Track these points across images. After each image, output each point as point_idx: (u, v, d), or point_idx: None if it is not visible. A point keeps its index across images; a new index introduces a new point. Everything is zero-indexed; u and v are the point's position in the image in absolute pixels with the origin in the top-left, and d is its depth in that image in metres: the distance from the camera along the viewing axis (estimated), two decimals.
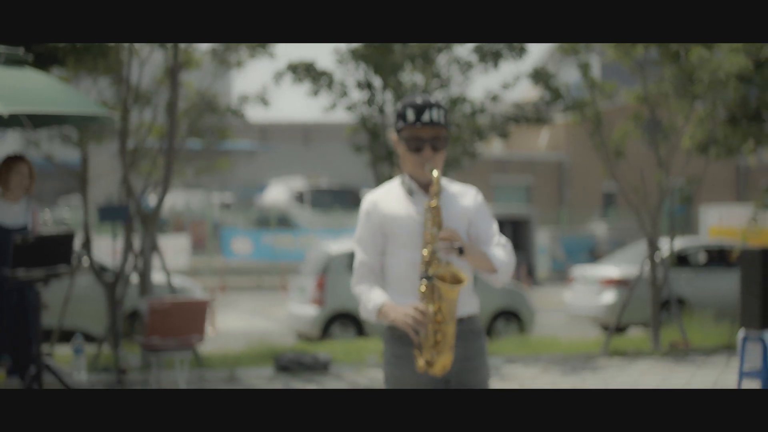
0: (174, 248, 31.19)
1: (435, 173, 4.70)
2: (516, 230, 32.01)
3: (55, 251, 7.82)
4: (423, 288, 4.60)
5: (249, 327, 19.09)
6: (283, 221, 36.82)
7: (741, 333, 9.34)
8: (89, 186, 12.79)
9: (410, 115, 4.71)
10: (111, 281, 12.63)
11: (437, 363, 4.58)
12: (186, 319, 8.72)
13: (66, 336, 13.48)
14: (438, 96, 13.98)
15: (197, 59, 13.56)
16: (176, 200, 41.99)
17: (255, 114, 53.56)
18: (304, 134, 52.56)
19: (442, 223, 4.69)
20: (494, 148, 44.07)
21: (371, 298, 4.75)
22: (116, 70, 12.51)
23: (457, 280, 4.63)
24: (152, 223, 12.21)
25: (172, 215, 39.21)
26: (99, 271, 13.02)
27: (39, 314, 8.07)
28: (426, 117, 4.69)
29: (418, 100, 4.77)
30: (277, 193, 43.69)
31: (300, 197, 41.41)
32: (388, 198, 4.84)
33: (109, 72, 12.45)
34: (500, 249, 4.82)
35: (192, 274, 27.99)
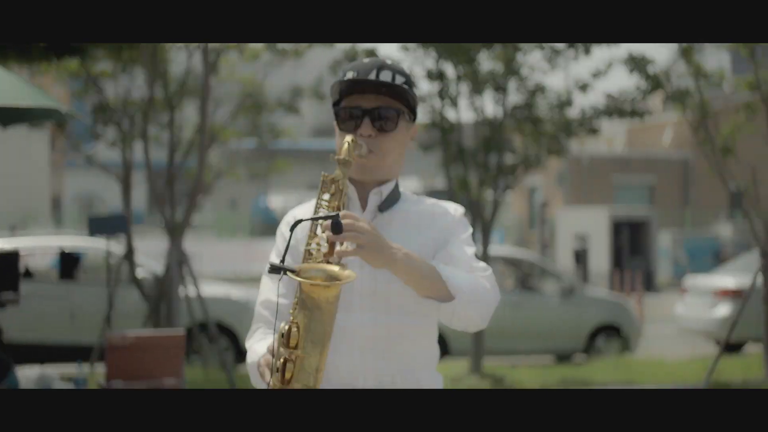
0: None
1: (348, 138, 3.02)
2: (635, 233, 30.49)
3: None
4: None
5: None
6: None
7: None
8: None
9: (350, 76, 3.13)
10: (153, 294, 11.44)
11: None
12: (156, 358, 6.98)
13: None
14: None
15: (253, 49, 12.21)
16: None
17: None
18: None
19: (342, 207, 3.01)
20: (615, 145, 42.11)
21: (256, 350, 3.08)
22: (160, 62, 11.27)
23: (333, 277, 2.78)
24: (179, 233, 10.70)
25: None
26: (144, 282, 11.99)
27: None
28: (373, 75, 3.10)
29: (367, 59, 3.20)
30: None
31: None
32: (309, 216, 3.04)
33: (149, 66, 11.17)
34: (470, 274, 3.07)
35: None
